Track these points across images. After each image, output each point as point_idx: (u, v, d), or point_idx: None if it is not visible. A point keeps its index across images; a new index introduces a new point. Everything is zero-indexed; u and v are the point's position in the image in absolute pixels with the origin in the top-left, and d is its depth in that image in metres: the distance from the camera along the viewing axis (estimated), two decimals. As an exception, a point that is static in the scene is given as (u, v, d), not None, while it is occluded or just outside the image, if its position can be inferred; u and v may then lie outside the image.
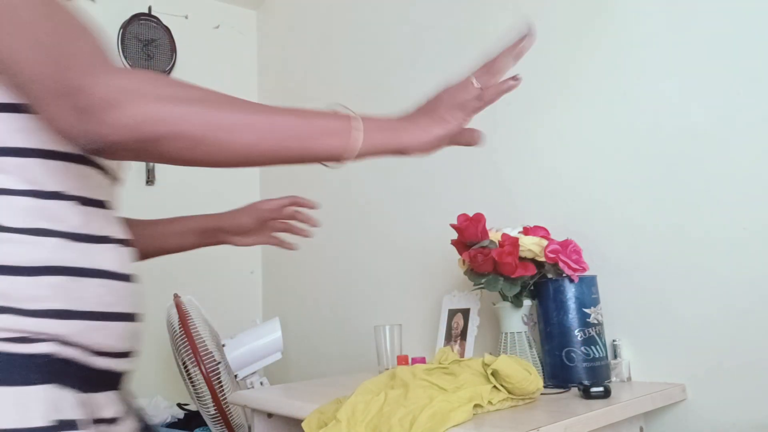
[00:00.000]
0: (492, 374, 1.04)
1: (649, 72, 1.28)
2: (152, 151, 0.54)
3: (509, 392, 1.03)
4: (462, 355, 1.46)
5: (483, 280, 1.28)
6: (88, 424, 0.60)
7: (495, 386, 1.03)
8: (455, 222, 1.33)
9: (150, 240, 0.98)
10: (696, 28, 1.21)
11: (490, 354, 1.12)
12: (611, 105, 1.34)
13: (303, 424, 1.06)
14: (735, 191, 1.14)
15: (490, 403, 1.00)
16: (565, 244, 1.25)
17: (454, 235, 1.35)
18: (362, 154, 0.63)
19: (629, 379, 1.25)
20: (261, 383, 1.85)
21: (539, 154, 1.48)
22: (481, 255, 1.26)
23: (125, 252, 0.69)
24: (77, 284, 0.61)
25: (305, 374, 2.13)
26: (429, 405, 0.95)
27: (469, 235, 1.30)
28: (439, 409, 0.95)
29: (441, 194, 1.71)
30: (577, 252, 1.25)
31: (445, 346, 1.54)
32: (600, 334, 1.23)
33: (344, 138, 0.61)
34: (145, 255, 0.97)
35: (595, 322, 1.23)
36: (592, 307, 1.23)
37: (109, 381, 0.67)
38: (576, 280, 1.23)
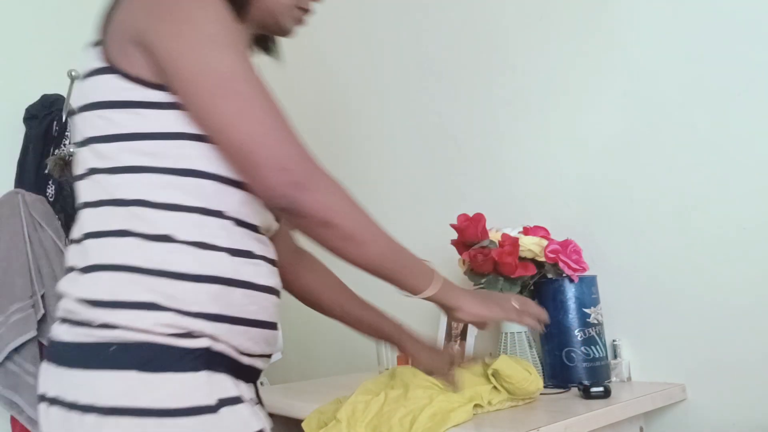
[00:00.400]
0: (492, 374, 1.04)
1: (649, 72, 1.28)
2: (312, 227, 0.72)
3: (509, 392, 1.03)
4: (462, 355, 1.46)
5: (483, 280, 1.28)
6: (247, 401, 0.72)
7: (495, 386, 1.03)
8: (455, 222, 1.33)
9: (342, 312, 1.07)
10: (696, 28, 1.21)
11: (491, 354, 1.12)
12: (611, 105, 1.34)
13: (303, 425, 1.06)
14: (735, 191, 1.14)
15: (489, 403, 1.00)
16: (565, 244, 1.25)
17: (454, 235, 1.35)
18: (428, 298, 0.83)
19: (629, 379, 1.25)
20: (261, 383, 1.85)
21: (539, 154, 1.48)
22: (481, 255, 1.26)
23: (271, 270, 0.78)
24: (228, 293, 0.71)
25: (305, 374, 2.13)
26: (429, 405, 0.95)
27: (469, 235, 1.30)
28: (439, 409, 0.94)
29: (441, 194, 1.71)
30: (577, 252, 1.25)
31: (445, 345, 1.54)
32: (600, 334, 1.23)
33: (426, 283, 0.82)
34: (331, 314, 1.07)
35: (595, 322, 1.23)
36: (592, 307, 1.23)
37: (249, 375, 0.77)
38: (576, 280, 1.23)
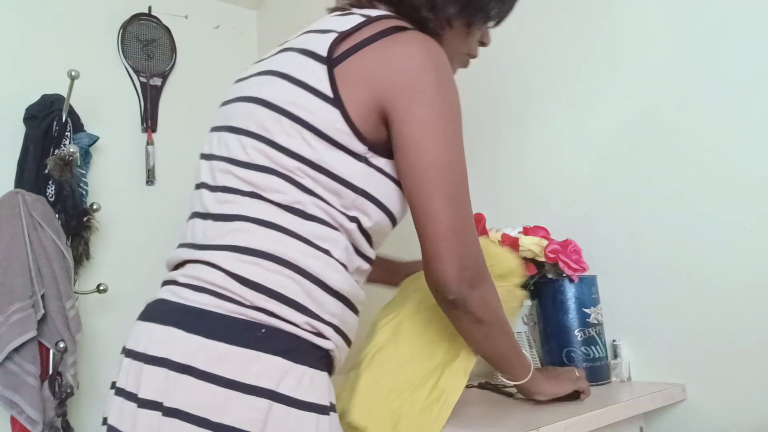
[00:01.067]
0: None
1: (649, 72, 1.28)
2: (465, 320, 0.82)
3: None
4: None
5: (483, 280, 1.28)
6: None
7: None
8: (455, 222, 1.33)
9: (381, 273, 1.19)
10: (696, 28, 1.21)
11: None
12: (611, 105, 1.34)
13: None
14: (735, 191, 1.14)
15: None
16: (565, 244, 1.25)
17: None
18: (516, 386, 0.96)
19: (629, 379, 1.25)
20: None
21: (540, 154, 1.48)
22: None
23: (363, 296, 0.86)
24: (344, 311, 0.78)
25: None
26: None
27: (469, 235, 1.30)
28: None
29: (441, 194, 1.70)
30: (577, 252, 1.25)
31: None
32: (600, 334, 1.23)
33: (523, 375, 0.94)
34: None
35: (595, 322, 1.23)
36: (592, 307, 1.23)
37: None
38: (576, 280, 1.23)
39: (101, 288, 1.89)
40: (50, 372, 1.67)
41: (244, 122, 0.79)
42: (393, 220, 0.84)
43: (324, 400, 0.71)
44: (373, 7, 0.87)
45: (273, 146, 0.76)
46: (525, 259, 1.27)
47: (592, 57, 1.38)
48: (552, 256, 1.24)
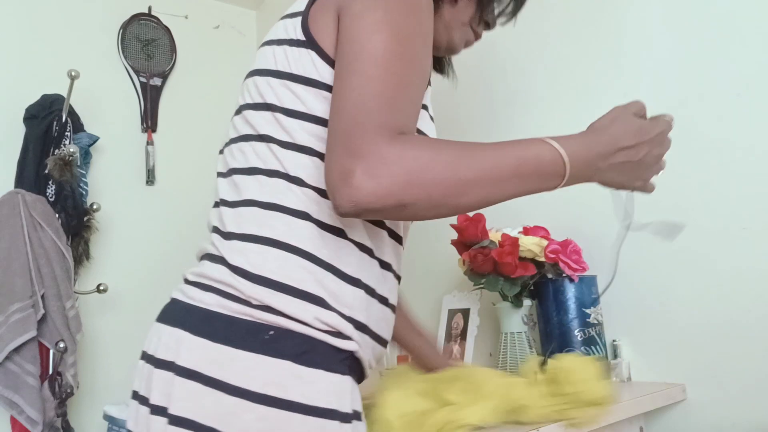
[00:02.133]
0: (546, 376, 0.91)
1: (649, 71, 1.28)
2: (395, 214, 0.59)
3: (568, 398, 0.89)
4: (462, 355, 1.46)
5: (483, 280, 1.28)
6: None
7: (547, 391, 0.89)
8: (455, 222, 1.33)
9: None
10: (696, 28, 1.21)
11: (491, 354, 1.10)
12: (611, 105, 1.34)
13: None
14: (735, 191, 1.14)
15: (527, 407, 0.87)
16: (565, 244, 1.25)
17: (454, 235, 1.35)
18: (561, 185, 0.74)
19: (629, 379, 1.25)
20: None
21: (539, 154, 1.48)
22: (481, 255, 1.26)
23: (397, 286, 0.78)
24: (369, 303, 0.69)
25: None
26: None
27: (469, 235, 1.30)
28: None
29: (441, 194, 1.70)
30: (577, 252, 1.25)
31: (445, 345, 1.54)
32: (600, 334, 1.23)
33: (556, 182, 0.73)
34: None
35: (595, 322, 1.23)
36: (592, 307, 1.23)
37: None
38: (576, 280, 1.23)
39: (101, 288, 1.89)
40: (50, 372, 1.67)
41: (250, 96, 0.75)
42: None
43: (345, 407, 0.65)
44: None
45: (275, 110, 0.70)
46: (525, 259, 1.27)
47: (593, 57, 1.38)
48: (552, 256, 1.24)
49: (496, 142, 0.66)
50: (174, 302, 0.72)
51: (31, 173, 1.81)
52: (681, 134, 1.23)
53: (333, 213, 0.66)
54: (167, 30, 2.30)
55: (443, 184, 0.59)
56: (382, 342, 0.74)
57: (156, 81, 2.23)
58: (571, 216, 1.39)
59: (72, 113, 1.91)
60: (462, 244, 1.33)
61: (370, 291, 0.70)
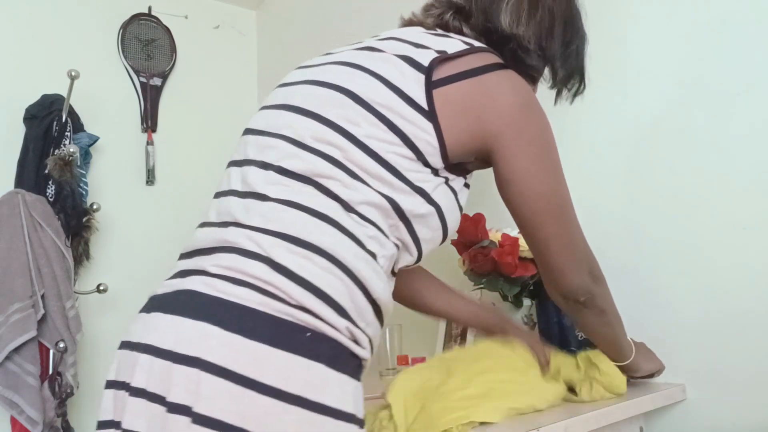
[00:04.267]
0: (584, 365, 1.05)
1: (648, 72, 1.28)
2: (591, 314, 0.94)
3: (603, 386, 1.04)
4: (462, 355, 1.46)
5: (483, 280, 1.28)
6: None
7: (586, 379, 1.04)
8: (455, 222, 1.33)
9: (449, 310, 1.16)
10: (696, 28, 1.21)
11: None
12: (611, 105, 1.34)
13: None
14: (734, 191, 1.14)
15: (582, 392, 1.03)
16: None
17: (454, 235, 1.35)
18: (622, 368, 1.04)
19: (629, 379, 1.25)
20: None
21: (539, 154, 1.48)
22: (481, 255, 1.26)
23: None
24: (376, 323, 0.74)
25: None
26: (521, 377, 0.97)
27: (469, 235, 1.30)
28: (534, 383, 0.98)
29: (441, 194, 1.70)
30: None
31: (445, 345, 1.54)
32: None
33: (626, 357, 1.04)
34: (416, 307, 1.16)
35: None
36: None
37: None
38: None
39: (101, 288, 1.89)
40: (50, 372, 1.67)
41: (323, 108, 0.75)
42: (445, 235, 0.85)
43: (361, 413, 0.67)
44: (462, 33, 0.87)
45: (351, 140, 0.72)
46: (525, 259, 1.27)
47: (593, 57, 1.38)
48: None
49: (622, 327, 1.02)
50: (194, 294, 0.67)
51: (31, 173, 1.81)
52: (681, 134, 1.23)
53: (370, 241, 0.72)
54: (167, 30, 2.30)
55: (609, 317, 0.98)
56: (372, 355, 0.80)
57: (156, 81, 2.23)
58: (571, 216, 1.39)
59: (72, 113, 1.91)
60: (462, 244, 1.33)
61: (380, 313, 0.74)
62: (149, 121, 2.18)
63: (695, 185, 1.20)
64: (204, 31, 2.43)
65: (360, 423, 0.65)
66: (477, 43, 0.83)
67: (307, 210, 0.69)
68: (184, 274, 0.71)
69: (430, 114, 0.75)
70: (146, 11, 2.27)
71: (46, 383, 1.64)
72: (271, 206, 0.69)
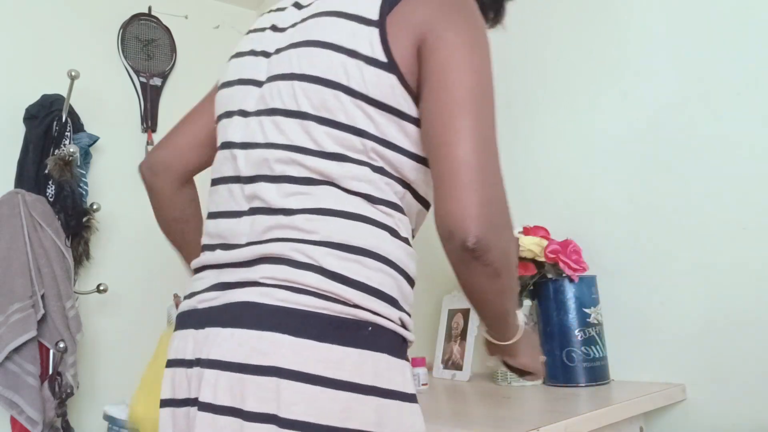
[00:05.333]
0: None
1: (649, 72, 1.28)
2: (482, 273, 0.69)
3: None
4: (462, 355, 1.46)
5: (483, 280, 1.28)
6: None
7: None
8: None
9: None
10: (697, 29, 1.21)
11: None
12: (611, 105, 1.34)
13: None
14: (735, 191, 1.14)
15: None
16: (565, 244, 1.25)
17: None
18: (494, 346, 0.88)
19: (629, 379, 1.25)
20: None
21: (539, 155, 1.48)
22: (481, 255, 1.26)
23: None
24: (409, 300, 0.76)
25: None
26: None
27: (469, 235, 1.30)
28: None
29: (441, 194, 1.71)
30: (577, 252, 1.25)
31: (445, 345, 1.54)
32: (600, 334, 1.22)
33: (512, 336, 0.84)
34: None
35: (596, 322, 1.23)
36: (592, 307, 1.23)
37: None
38: (576, 280, 1.23)
39: (101, 288, 1.89)
40: (50, 372, 1.67)
41: (296, 103, 0.73)
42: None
43: (412, 389, 0.71)
44: None
45: (338, 127, 0.71)
46: (525, 259, 1.27)
47: (593, 58, 1.38)
48: (552, 256, 1.24)
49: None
50: (252, 306, 0.67)
51: (31, 173, 1.81)
52: (681, 134, 1.23)
53: (401, 225, 0.73)
54: (167, 30, 2.30)
55: (510, 284, 0.74)
56: None
57: (156, 81, 2.23)
58: (571, 216, 1.39)
59: (72, 113, 1.91)
60: (462, 244, 1.33)
61: (409, 294, 0.76)
62: (149, 121, 2.18)
63: (695, 185, 1.20)
64: (204, 31, 2.43)
65: (416, 399, 0.70)
66: None
67: (339, 213, 0.69)
68: (225, 286, 0.71)
69: (390, 64, 0.70)
70: (146, 11, 2.27)
71: (46, 383, 1.64)
72: (305, 218, 0.69)
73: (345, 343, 0.65)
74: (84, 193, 1.91)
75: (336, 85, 0.70)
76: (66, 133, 1.87)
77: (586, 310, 1.22)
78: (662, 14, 1.26)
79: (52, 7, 2.04)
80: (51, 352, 1.68)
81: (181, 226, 1.01)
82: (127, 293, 2.02)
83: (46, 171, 1.77)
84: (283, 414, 0.61)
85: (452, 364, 1.48)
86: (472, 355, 1.44)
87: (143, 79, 2.20)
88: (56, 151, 1.82)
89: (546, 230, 1.32)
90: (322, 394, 0.62)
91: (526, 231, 1.32)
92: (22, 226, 1.69)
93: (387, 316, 0.69)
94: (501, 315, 0.78)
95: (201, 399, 0.66)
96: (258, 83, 0.79)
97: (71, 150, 1.77)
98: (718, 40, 1.17)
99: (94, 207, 1.90)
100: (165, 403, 0.73)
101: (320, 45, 0.72)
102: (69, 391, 1.67)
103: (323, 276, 0.66)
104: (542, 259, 1.25)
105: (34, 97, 1.90)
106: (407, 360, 0.72)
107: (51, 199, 1.80)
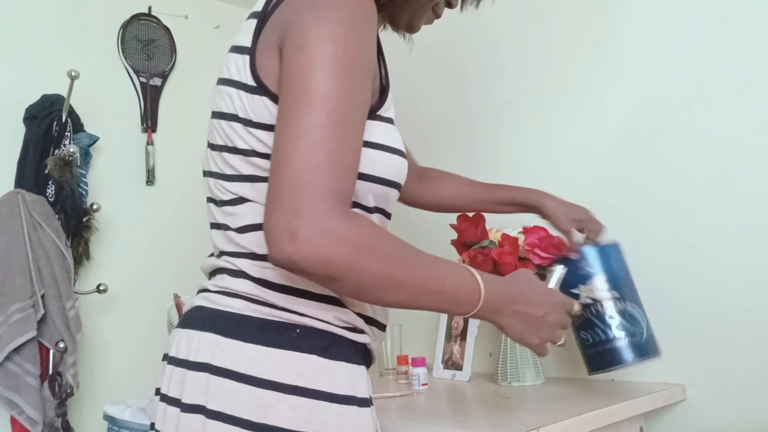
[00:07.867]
0: None
1: (649, 73, 1.28)
2: (320, 282, 0.63)
3: None
4: (462, 356, 1.46)
5: (483, 280, 1.28)
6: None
7: None
8: (455, 222, 1.33)
9: (475, 201, 1.19)
10: (696, 28, 1.21)
11: (491, 354, 1.10)
12: (611, 105, 1.34)
13: None
14: (735, 191, 1.14)
15: None
16: (544, 239, 1.22)
17: (454, 235, 1.35)
18: (467, 316, 0.73)
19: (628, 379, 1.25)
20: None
21: (539, 154, 1.48)
22: (481, 255, 1.26)
23: None
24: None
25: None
26: None
27: (468, 235, 1.30)
28: None
29: (441, 194, 1.70)
30: (555, 245, 1.21)
31: (445, 345, 1.54)
32: (599, 314, 1.05)
33: (470, 308, 0.71)
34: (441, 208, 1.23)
35: (588, 301, 1.05)
36: (580, 285, 1.05)
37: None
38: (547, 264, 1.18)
39: (101, 288, 1.89)
40: (50, 372, 1.67)
41: (213, 137, 0.79)
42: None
43: (363, 393, 0.73)
44: None
45: (242, 153, 0.73)
46: (525, 259, 1.27)
47: (593, 57, 1.38)
48: (528, 248, 1.22)
49: (430, 255, 0.69)
50: (200, 309, 0.76)
51: (31, 173, 1.81)
52: (681, 134, 1.23)
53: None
54: (167, 30, 2.30)
55: (374, 277, 0.62)
56: (383, 327, 0.82)
57: (156, 81, 2.23)
58: (571, 216, 1.39)
59: (72, 113, 1.91)
60: (462, 244, 1.33)
61: None
62: (149, 121, 2.17)
63: (695, 185, 1.20)
64: (204, 31, 2.43)
65: (361, 402, 0.71)
66: None
67: (260, 227, 0.72)
68: (198, 292, 0.81)
69: (258, 87, 0.70)
70: (146, 11, 2.27)
71: (46, 383, 1.64)
72: (235, 234, 0.75)
73: (269, 344, 0.69)
74: (84, 193, 1.91)
75: (230, 116, 0.74)
76: (66, 133, 1.87)
77: (574, 291, 1.05)
78: (662, 14, 1.26)
79: (52, 7, 2.04)
80: (51, 352, 1.68)
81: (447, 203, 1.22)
82: (127, 293, 2.02)
83: (46, 171, 1.77)
84: (210, 405, 0.68)
85: (452, 364, 1.48)
86: (472, 355, 1.44)
87: (143, 79, 2.20)
88: (56, 151, 1.82)
89: (546, 230, 1.32)
90: (243, 390, 0.68)
91: (526, 231, 1.32)
92: (22, 226, 1.69)
93: (317, 317, 0.71)
94: (415, 298, 0.66)
95: (162, 391, 0.76)
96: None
97: (71, 150, 1.77)
98: (718, 41, 1.17)
99: (94, 207, 1.90)
100: (157, 391, 0.80)
101: (220, 82, 0.77)
102: (69, 391, 1.67)
103: (251, 282, 0.72)
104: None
105: (34, 97, 1.89)
106: (353, 362, 0.72)
107: (51, 199, 1.80)
